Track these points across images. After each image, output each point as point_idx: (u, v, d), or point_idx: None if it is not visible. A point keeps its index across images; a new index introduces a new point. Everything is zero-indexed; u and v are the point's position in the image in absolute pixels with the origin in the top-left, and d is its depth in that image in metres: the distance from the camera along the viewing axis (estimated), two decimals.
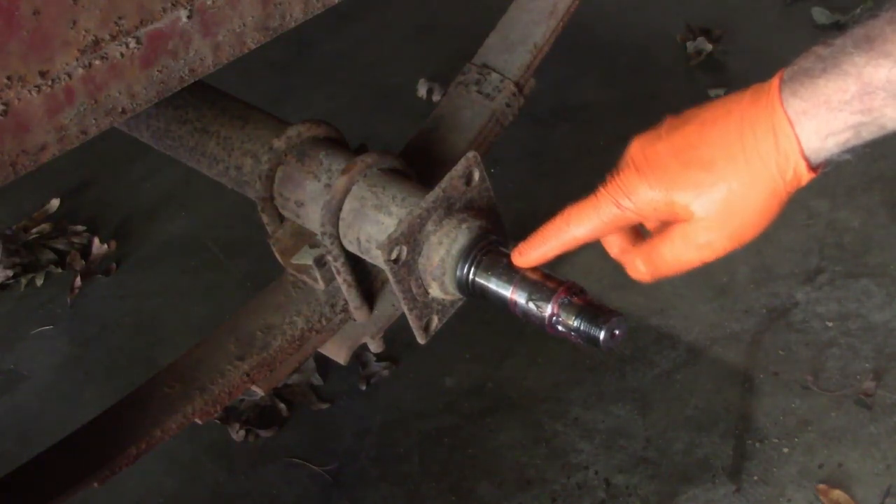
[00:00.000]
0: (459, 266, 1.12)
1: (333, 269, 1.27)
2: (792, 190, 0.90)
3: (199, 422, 1.25)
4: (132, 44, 0.89)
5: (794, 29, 3.18)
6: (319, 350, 1.40)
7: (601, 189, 0.97)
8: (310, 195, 1.25)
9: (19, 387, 2.35)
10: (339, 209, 1.21)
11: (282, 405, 2.22)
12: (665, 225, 0.97)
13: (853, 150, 0.88)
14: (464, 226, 1.12)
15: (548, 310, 1.05)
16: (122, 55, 0.89)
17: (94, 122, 0.89)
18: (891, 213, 2.52)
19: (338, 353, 1.41)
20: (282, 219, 1.33)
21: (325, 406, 2.24)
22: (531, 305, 1.06)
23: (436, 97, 3.02)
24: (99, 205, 2.83)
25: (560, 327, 1.05)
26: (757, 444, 2.06)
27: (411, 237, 1.10)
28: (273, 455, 2.15)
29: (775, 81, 0.87)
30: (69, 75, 0.85)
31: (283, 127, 1.30)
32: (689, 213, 0.92)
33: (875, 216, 2.52)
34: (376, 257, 1.20)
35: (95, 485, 1.16)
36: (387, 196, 1.19)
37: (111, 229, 2.74)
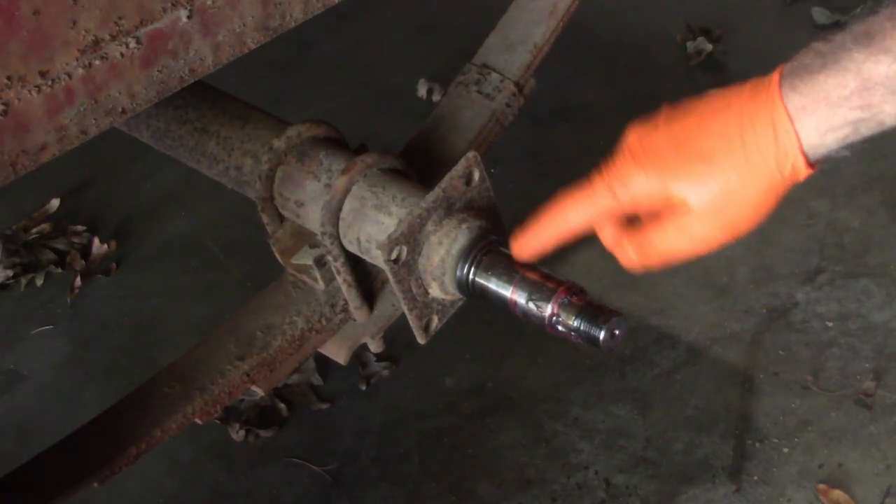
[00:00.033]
0: (459, 266, 1.12)
1: (333, 269, 1.27)
2: (789, 185, 0.90)
3: (199, 422, 1.25)
4: (132, 44, 0.89)
5: (794, 29, 3.18)
6: (319, 350, 1.40)
7: (596, 177, 0.97)
8: (310, 195, 1.25)
9: (19, 387, 2.35)
10: (339, 209, 1.21)
11: (282, 405, 2.22)
12: (659, 215, 0.96)
13: (852, 147, 0.88)
14: (464, 226, 1.12)
15: (548, 310, 1.05)
16: (122, 55, 0.89)
17: (94, 122, 0.89)
18: (891, 213, 2.52)
19: (338, 353, 1.41)
20: (282, 219, 1.33)
21: (325, 406, 2.24)
22: (531, 305, 1.06)
23: (436, 97, 3.02)
24: (99, 205, 2.83)
25: (560, 327, 1.05)
26: (757, 444, 2.06)
27: (411, 237, 1.10)
28: (273, 455, 2.15)
29: (775, 76, 0.87)
30: (69, 75, 0.85)
31: (283, 127, 1.30)
32: (685, 204, 0.92)
33: (875, 216, 2.52)
34: (376, 257, 1.20)
35: (95, 485, 1.16)
36: (387, 196, 1.19)
37: (111, 229, 2.74)
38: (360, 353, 2.06)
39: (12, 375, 2.37)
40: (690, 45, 3.16)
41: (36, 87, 0.83)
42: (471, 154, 1.15)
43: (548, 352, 2.28)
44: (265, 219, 1.32)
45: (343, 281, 1.28)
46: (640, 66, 3.10)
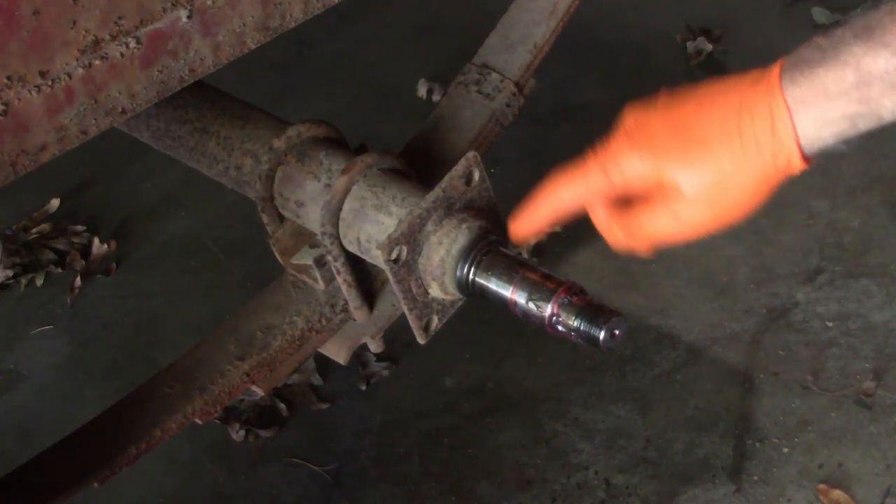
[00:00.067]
0: (459, 266, 1.12)
1: (333, 269, 1.27)
2: (782, 178, 0.90)
3: (199, 422, 1.25)
4: (132, 44, 0.89)
5: (794, 29, 3.18)
6: (319, 350, 1.40)
7: (591, 156, 0.97)
8: (310, 195, 1.25)
9: (19, 387, 2.35)
10: (339, 209, 1.21)
11: (282, 405, 2.22)
12: (650, 198, 0.96)
13: (849, 142, 0.88)
14: (464, 226, 1.12)
15: (548, 310, 1.05)
16: (122, 55, 0.89)
17: (94, 122, 0.89)
18: (891, 213, 2.52)
19: (338, 353, 1.41)
20: (282, 219, 1.33)
21: (325, 406, 2.24)
22: (531, 305, 1.06)
23: (436, 97, 3.02)
24: (99, 205, 2.83)
25: (560, 327, 1.05)
26: (757, 444, 2.06)
27: (411, 237, 1.10)
28: (273, 455, 2.15)
29: (776, 69, 0.87)
30: (69, 75, 0.85)
31: (283, 127, 1.30)
32: (677, 188, 0.91)
33: (875, 216, 2.52)
34: (376, 257, 1.20)
35: (95, 485, 1.16)
36: (387, 196, 1.19)
37: (111, 229, 2.74)
38: (360, 353, 2.06)
39: (12, 375, 2.37)
40: (690, 45, 3.16)
41: (36, 87, 0.83)
42: (471, 154, 1.15)
43: (548, 352, 2.28)
44: (265, 219, 1.32)
45: (343, 281, 1.28)
46: (640, 66, 3.10)
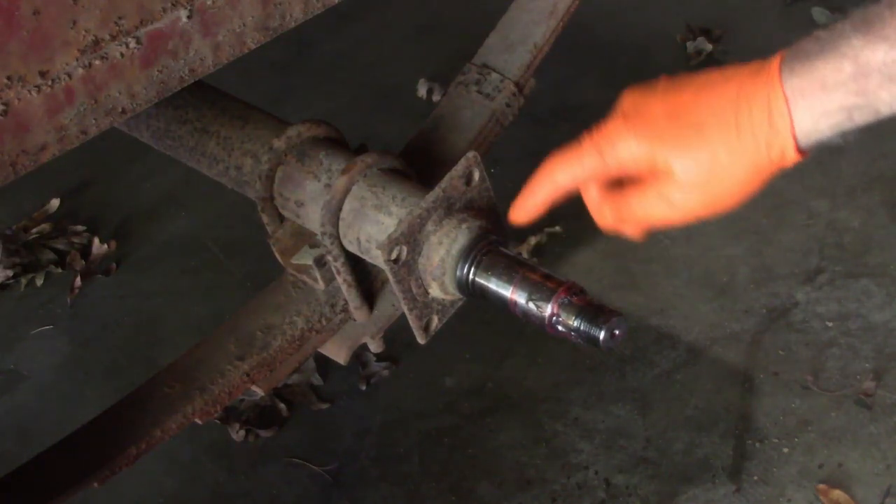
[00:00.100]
0: (459, 266, 1.12)
1: (333, 269, 1.27)
2: (775, 169, 0.89)
3: (199, 422, 1.25)
4: (132, 44, 0.89)
5: (794, 29, 3.12)
6: (319, 350, 1.40)
7: (586, 137, 0.97)
8: (310, 195, 1.25)
9: (19, 387, 2.35)
10: (339, 209, 1.21)
11: (282, 405, 2.22)
12: (643, 181, 0.96)
13: (845, 137, 0.88)
14: (464, 226, 1.12)
15: (548, 310, 1.05)
16: (122, 55, 0.89)
17: (94, 122, 0.89)
18: (891, 213, 2.52)
19: (338, 353, 1.41)
20: (282, 219, 1.33)
21: (325, 406, 2.24)
22: (531, 305, 1.06)
23: (436, 97, 3.02)
24: (99, 205, 2.83)
25: (560, 327, 1.05)
26: (757, 444, 2.06)
27: (411, 237, 1.11)
28: (273, 455, 2.15)
29: (776, 60, 0.87)
30: (69, 75, 0.85)
31: (283, 127, 1.30)
32: (670, 171, 0.91)
33: (875, 216, 2.52)
34: (376, 257, 1.20)
35: (95, 485, 1.16)
36: (387, 196, 1.19)
37: (111, 229, 2.74)
38: (360, 353, 2.06)
39: (12, 375, 2.37)
40: (690, 45, 3.16)
41: (36, 87, 0.83)
42: (471, 154, 1.15)
43: (548, 352, 2.28)
44: (265, 219, 1.32)
45: (343, 281, 1.28)
46: (640, 66, 3.09)
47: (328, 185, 1.23)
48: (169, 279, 2.59)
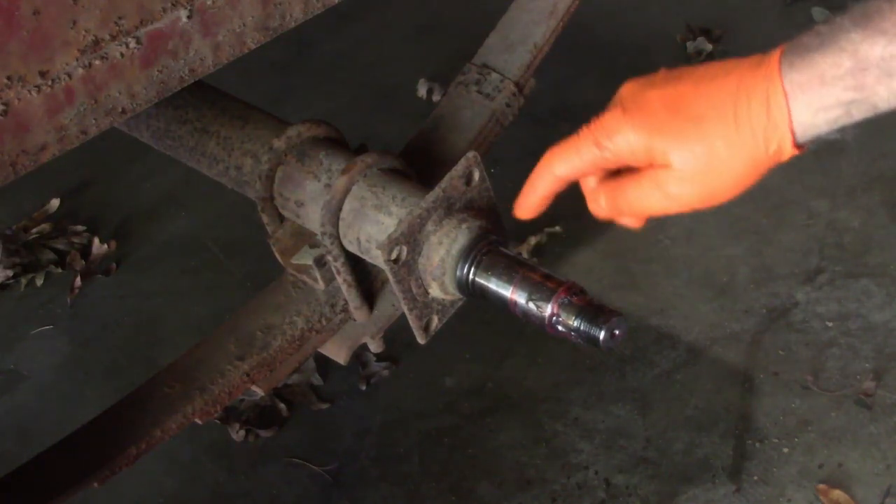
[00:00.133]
0: (459, 266, 1.12)
1: (333, 269, 1.27)
2: (772, 164, 0.90)
3: (199, 422, 1.25)
4: (132, 44, 0.89)
5: (794, 29, 3.13)
6: (319, 350, 1.40)
7: (584, 128, 0.97)
8: (310, 195, 1.25)
9: (19, 387, 2.35)
10: (339, 209, 1.21)
11: (282, 405, 2.22)
12: (639, 171, 0.96)
13: (844, 132, 0.88)
14: (464, 226, 1.12)
15: (548, 310, 1.05)
16: (122, 55, 0.89)
17: (94, 122, 0.89)
18: (891, 213, 2.52)
19: (338, 353, 1.41)
20: (282, 219, 1.33)
21: (325, 406, 2.24)
22: (531, 305, 1.06)
23: (436, 97, 3.02)
24: (99, 205, 2.83)
25: (560, 327, 1.05)
26: (757, 444, 2.06)
27: (411, 237, 1.11)
28: (273, 455, 2.15)
29: (776, 53, 0.87)
30: (69, 75, 0.85)
31: (283, 127, 1.30)
32: (667, 162, 0.91)
33: (875, 216, 2.52)
34: (376, 257, 1.20)
35: (95, 485, 1.16)
36: (387, 196, 1.19)
37: (111, 229, 2.74)
38: (360, 353, 2.06)
39: (12, 375, 2.37)
40: (690, 45, 3.16)
41: (36, 87, 0.83)
42: (471, 154, 1.15)
43: (548, 352, 2.28)
44: (265, 219, 1.32)
45: (343, 281, 1.28)
46: (640, 66, 3.07)
47: (328, 185, 1.23)
48: (169, 279, 2.59)
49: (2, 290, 2.58)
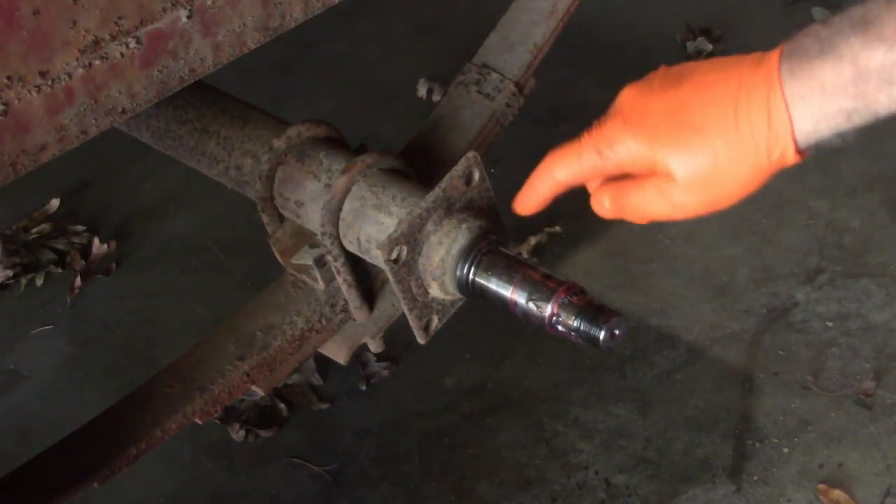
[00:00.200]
0: (459, 266, 1.12)
1: (333, 269, 1.27)
2: (775, 170, 0.90)
3: (199, 422, 1.25)
4: (132, 44, 0.89)
5: (794, 29, 3.14)
6: (319, 350, 1.40)
7: (585, 135, 0.97)
8: (310, 195, 1.25)
9: (19, 387, 2.35)
10: (339, 209, 1.21)
11: (282, 405, 2.22)
12: (642, 177, 0.96)
13: (844, 137, 0.87)
14: (464, 226, 1.12)
15: (548, 310, 1.05)
16: (122, 55, 0.89)
17: (94, 122, 0.89)
18: (891, 213, 2.52)
19: (338, 353, 1.41)
20: (282, 219, 1.33)
21: (325, 406, 2.24)
22: (531, 305, 1.06)
23: (436, 97, 3.02)
24: (99, 205, 2.83)
25: (560, 327, 1.05)
26: (757, 444, 2.06)
27: (411, 237, 1.10)
28: (273, 455, 2.15)
29: (775, 55, 0.87)
30: (69, 75, 0.85)
31: (283, 127, 1.30)
32: (669, 172, 0.91)
33: (875, 216, 2.52)
34: (376, 257, 1.20)
35: (95, 485, 1.16)
36: (387, 196, 1.19)
37: (111, 229, 2.74)
38: (360, 353, 2.06)
39: (12, 375, 2.37)
40: (690, 45, 3.16)
41: (36, 87, 0.83)
42: (471, 154, 1.15)
43: (548, 352, 2.28)
44: (265, 219, 1.32)
45: (343, 281, 1.28)
46: (640, 66, 3.06)
47: (328, 185, 1.23)
48: (169, 279, 2.59)
49: (2, 290, 2.58)
